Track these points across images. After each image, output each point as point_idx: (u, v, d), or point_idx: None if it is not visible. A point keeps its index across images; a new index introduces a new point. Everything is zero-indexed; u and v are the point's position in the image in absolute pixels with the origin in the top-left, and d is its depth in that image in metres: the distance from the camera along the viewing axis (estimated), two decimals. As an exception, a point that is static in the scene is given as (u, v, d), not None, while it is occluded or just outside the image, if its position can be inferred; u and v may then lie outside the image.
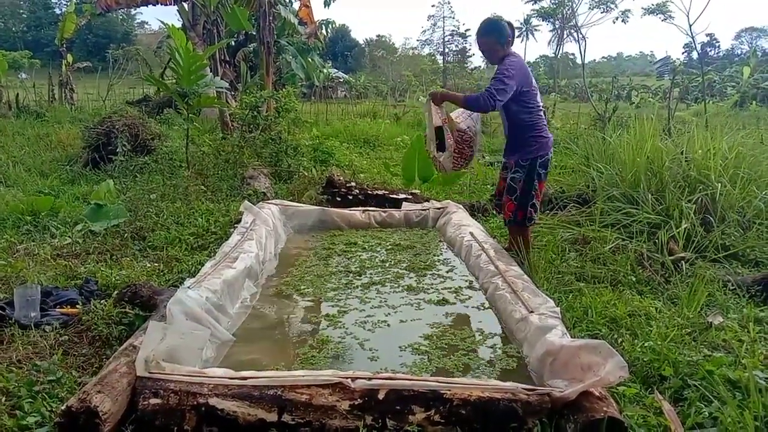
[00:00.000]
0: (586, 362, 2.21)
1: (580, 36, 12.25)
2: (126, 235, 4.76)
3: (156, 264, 4.11)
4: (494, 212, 5.39)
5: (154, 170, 7.24)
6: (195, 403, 2.06)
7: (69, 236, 4.76)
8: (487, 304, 3.45)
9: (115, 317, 3.02)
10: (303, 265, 4.19)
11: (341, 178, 6.50)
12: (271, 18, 11.21)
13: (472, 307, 3.45)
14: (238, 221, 4.67)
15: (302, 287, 3.71)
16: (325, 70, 19.42)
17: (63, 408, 1.99)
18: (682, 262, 4.07)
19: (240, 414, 2.04)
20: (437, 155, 4.21)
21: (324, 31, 18.42)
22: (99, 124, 8.17)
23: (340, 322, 3.16)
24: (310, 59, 16.68)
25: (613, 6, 11.70)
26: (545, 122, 4.10)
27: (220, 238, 4.57)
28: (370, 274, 4.00)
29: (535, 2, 12.61)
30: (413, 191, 6.36)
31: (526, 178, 3.96)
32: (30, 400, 2.28)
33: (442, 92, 4.34)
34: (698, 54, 14.19)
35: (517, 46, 4.14)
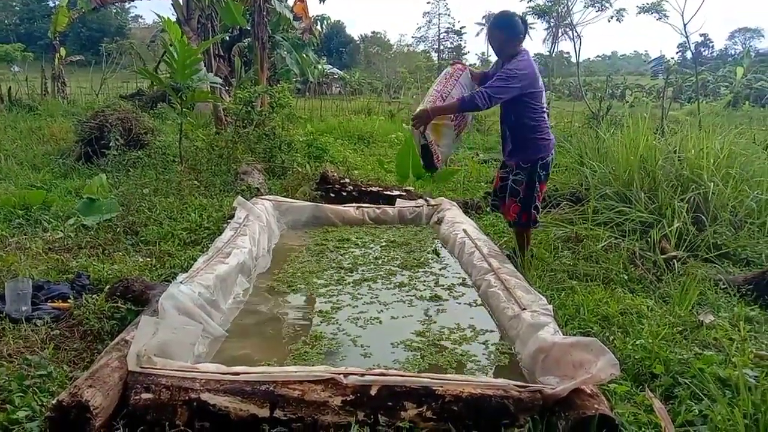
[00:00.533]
0: (577, 359, 2.22)
1: (575, 34, 12.26)
2: (118, 229, 4.74)
3: (148, 259, 4.10)
4: (488, 210, 5.39)
5: (147, 165, 7.19)
6: (187, 398, 2.05)
7: (61, 230, 4.74)
8: (479, 301, 3.46)
9: (107, 312, 3.01)
10: (296, 261, 4.19)
11: (335, 174, 6.49)
12: (265, 13, 11.16)
13: (465, 304, 3.46)
14: (232, 217, 4.66)
15: (295, 283, 3.71)
16: (319, 66, 19.36)
17: (54, 402, 1.98)
18: (674, 260, 4.09)
19: (232, 409, 2.04)
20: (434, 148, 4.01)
21: (319, 27, 18.32)
22: (92, 118, 8.11)
23: (333, 318, 3.16)
24: (304, 55, 16.62)
25: (608, 5, 11.69)
26: (548, 124, 4.01)
27: (213, 234, 4.56)
28: (362, 270, 4.00)
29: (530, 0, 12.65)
30: (407, 188, 6.36)
31: (528, 180, 3.90)
32: (20, 394, 2.27)
33: (431, 109, 3.78)
34: (692, 54, 14.21)
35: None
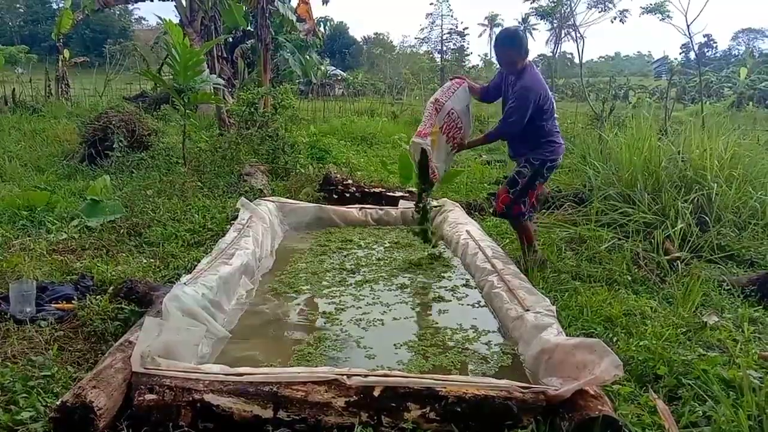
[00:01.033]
0: (581, 361, 2.22)
1: (578, 35, 12.22)
2: (122, 230, 4.75)
3: (152, 260, 4.11)
4: (490, 211, 5.38)
5: (150, 166, 7.21)
6: (190, 399, 2.06)
7: (65, 232, 4.74)
8: (482, 302, 3.46)
9: (110, 313, 3.02)
10: (299, 262, 4.19)
11: (338, 175, 6.50)
12: (268, 15, 11.19)
13: (468, 305, 3.46)
14: (235, 218, 4.67)
15: (298, 284, 3.71)
16: (322, 68, 19.40)
17: (58, 403, 1.99)
18: (678, 261, 4.08)
19: (235, 410, 2.05)
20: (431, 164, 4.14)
21: (322, 29, 18.40)
22: (96, 119, 8.13)
23: (337, 319, 3.16)
24: (307, 56, 16.67)
25: (611, 5, 11.66)
26: (559, 129, 4.13)
27: (216, 235, 4.56)
28: (365, 272, 4.00)
29: (534, 0, 12.57)
30: (410, 189, 6.35)
31: (531, 176, 3.97)
32: (25, 395, 2.28)
33: (468, 143, 4.35)
34: (695, 54, 14.18)
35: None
